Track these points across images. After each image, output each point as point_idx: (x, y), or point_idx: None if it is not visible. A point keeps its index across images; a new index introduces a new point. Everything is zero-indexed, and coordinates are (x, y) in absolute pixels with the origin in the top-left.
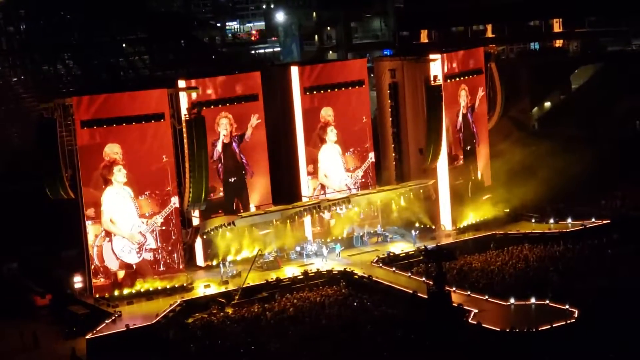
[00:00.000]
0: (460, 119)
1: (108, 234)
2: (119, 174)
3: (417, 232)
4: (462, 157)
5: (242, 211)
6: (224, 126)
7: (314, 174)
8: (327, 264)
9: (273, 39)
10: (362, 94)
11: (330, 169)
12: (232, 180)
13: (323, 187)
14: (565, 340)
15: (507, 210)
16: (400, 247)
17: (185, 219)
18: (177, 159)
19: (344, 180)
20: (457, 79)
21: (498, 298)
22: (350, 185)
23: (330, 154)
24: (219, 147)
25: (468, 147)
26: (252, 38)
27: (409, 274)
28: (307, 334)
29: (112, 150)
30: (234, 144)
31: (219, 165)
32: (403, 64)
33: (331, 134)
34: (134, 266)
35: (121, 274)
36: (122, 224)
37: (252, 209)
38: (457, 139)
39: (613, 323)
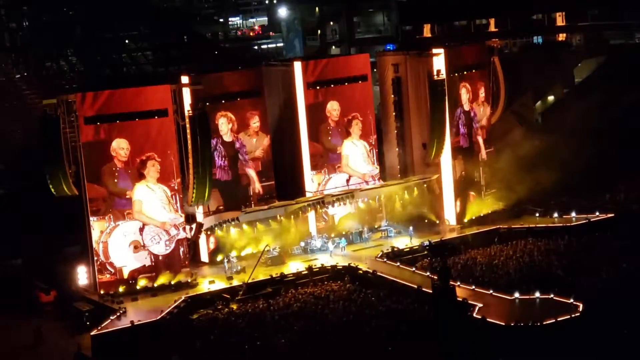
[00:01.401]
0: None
1: (142, 227)
2: (152, 169)
3: (413, 228)
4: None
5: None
6: (223, 125)
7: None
8: (332, 259)
9: (270, 33)
10: (365, 88)
11: (354, 160)
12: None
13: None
14: (569, 334)
15: (509, 205)
16: (405, 242)
17: (189, 215)
18: (181, 155)
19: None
20: (460, 73)
21: (502, 292)
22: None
23: (355, 146)
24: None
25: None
26: (251, 34)
27: (414, 269)
28: (312, 329)
29: (119, 146)
30: (237, 143)
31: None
32: (406, 58)
33: (356, 127)
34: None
35: (126, 270)
36: (154, 215)
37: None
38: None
39: (617, 317)
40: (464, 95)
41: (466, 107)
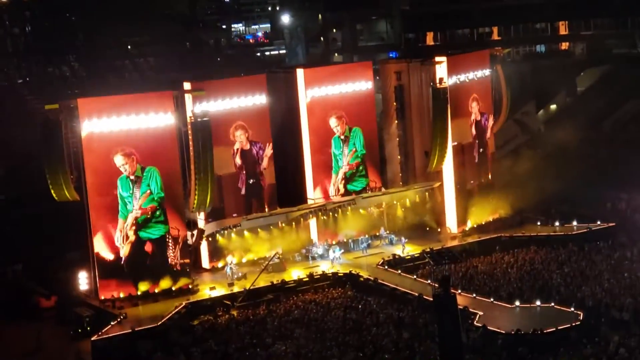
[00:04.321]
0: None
1: None
2: None
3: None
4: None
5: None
6: (238, 137)
7: None
8: (333, 267)
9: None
10: (367, 96)
11: None
12: (251, 182)
13: None
14: (570, 343)
15: (511, 213)
16: (406, 250)
17: (191, 221)
18: (183, 162)
19: None
20: (463, 81)
21: (503, 301)
22: None
23: None
24: (238, 158)
25: (481, 150)
26: (251, 41)
27: (415, 277)
28: (312, 336)
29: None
30: (253, 150)
31: (242, 172)
32: (408, 66)
33: None
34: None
35: None
36: None
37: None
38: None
39: (618, 325)
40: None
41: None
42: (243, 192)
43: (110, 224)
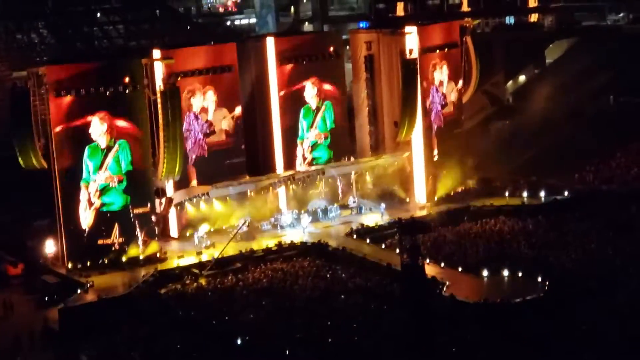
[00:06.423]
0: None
1: None
2: None
3: (385, 205)
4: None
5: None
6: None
7: None
8: (303, 236)
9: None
10: (337, 66)
11: None
12: None
13: None
14: (536, 313)
15: (479, 184)
16: (374, 219)
17: (159, 190)
18: (152, 130)
19: None
20: (433, 52)
21: (471, 270)
22: None
23: None
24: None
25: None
26: (221, 10)
27: (383, 246)
28: (280, 304)
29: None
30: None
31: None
32: (379, 36)
33: None
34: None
35: None
36: None
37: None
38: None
39: (583, 295)
40: (437, 73)
41: (440, 86)
42: None
43: (76, 192)
